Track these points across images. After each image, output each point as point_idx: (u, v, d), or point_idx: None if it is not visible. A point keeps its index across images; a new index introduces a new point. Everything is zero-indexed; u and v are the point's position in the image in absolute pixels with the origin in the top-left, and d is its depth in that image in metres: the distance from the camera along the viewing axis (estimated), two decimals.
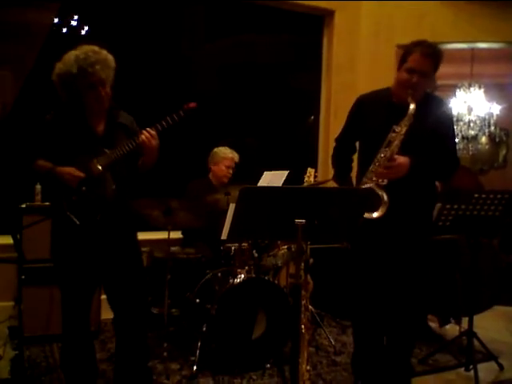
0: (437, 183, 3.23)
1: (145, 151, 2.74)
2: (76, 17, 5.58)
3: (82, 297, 2.79)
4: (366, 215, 2.70)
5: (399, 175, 2.80)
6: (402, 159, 2.80)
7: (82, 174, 2.65)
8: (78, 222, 2.61)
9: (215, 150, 4.56)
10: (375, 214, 2.76)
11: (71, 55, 2.63)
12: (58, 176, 2.63)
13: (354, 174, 3.20)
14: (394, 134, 2.81)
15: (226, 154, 4.50)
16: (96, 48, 2.66)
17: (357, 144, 3.21)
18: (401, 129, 2.80)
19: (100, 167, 2.70)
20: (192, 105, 2.74)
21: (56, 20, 5.33)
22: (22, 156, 2.78)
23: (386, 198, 2.77)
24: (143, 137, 2.68)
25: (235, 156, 4.54)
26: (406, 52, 2.91)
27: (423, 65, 2.84)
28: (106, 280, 2.87)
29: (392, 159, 2.79)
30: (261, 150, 7.23)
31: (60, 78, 2.65)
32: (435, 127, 2.92)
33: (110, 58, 2.70)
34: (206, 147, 4.67)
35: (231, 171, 4.50)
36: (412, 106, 2.79)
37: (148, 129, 2.70)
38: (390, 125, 2.83)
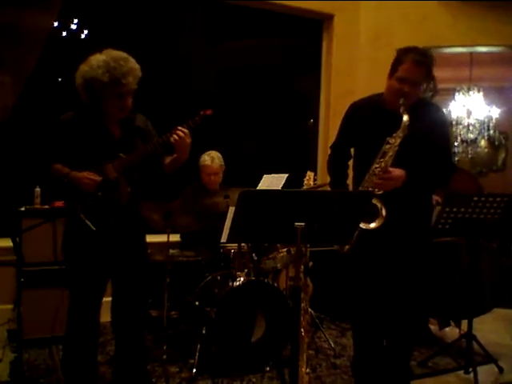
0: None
1: (177, 150, 2.72)
2: (76, 20, 5.60)
3: (92, 299, 2.80)
4: (363, 226, 2.71)
5: (394, 187, 2.79)
6: (397, 172, 2.79)
7: (99, 179, 2.65)
8: (93, 228, 2.61)
9: (201, 156, 4.43)
10: (372, 225, 2.77)
11: (99, 61, 2.61)
12: (75, 181, 2.63)
13: (349, 180, 3.21)
14: (388, 146, 2.79)
15: (204, 162, 4.35)
16: (124, 55, 2.65)
17: (352, 150, 3.21)
18: (395, 140, 2.78)
19: (116, 172, 2.70)
20: (209, 112, 2.71)
21: (56, 24, 5.34)
22: (39, 159, 2.77)
23: (384, 212, 2.76)
24: (176, 136, 2.66)
25: (215, 163, 4.32)
26: (396, 60, 2.87)
27: (414, 74, 2.80)
28: (113, 282, 2.88)
29: (387, 171, 2.79)
30: (260, 153, 7.24)
31: (86, 82, 2.63)
32: (429, 133, 2.91)
33: (138, 67, 2.68)
34: (205, 151, 4.62)
35: (213, 177, 4.34)
36: (405, 118, 2.76)
37: (180, 127, 2.68)
38: (383, 132, 2.81)
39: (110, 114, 2.74)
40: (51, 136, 2.75)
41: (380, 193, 2.79)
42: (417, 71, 2.81)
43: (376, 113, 2.99)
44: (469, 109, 6.86)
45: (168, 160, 2.84)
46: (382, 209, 2.77)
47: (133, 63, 2.66)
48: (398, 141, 2.78)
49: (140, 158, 2.71)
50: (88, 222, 2.61)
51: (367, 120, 3.00)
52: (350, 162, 3.24)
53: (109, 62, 2.59)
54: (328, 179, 3.32)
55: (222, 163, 4.40)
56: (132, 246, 2.84)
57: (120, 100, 2.67)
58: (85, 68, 2.64)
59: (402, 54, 2.85)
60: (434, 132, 2.94)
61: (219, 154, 4.42)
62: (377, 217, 2.77)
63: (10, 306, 3.49)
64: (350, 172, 3.21)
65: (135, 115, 2.85)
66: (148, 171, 2.88)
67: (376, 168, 2.81)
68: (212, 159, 4.34)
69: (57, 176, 2.69)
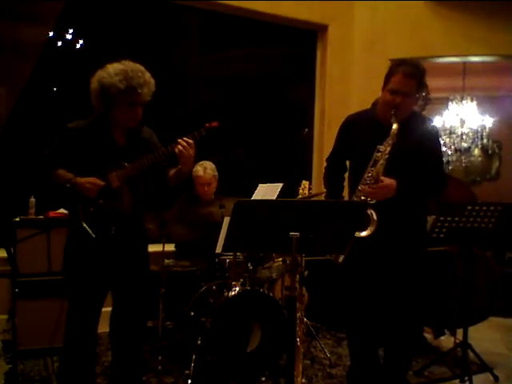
0: None
1: (181, 161, 2.71)
2: (71, 30, 5.61)
3: (92, 309, 2.78)
4: (356, 234, 2.72)
5: (386, 196, 2.83)
6: (388, 181, 2.83)
7: (102, 183, 2.66)
8: (93, 235, 2.61)
9: (194, 166, 4.32)
10: (364, 233, 2.79)
11: (117, 69, 2.64)
12: (78, 186, 2.64)
13: (345, 193, 3.23)
14: (378, 154, 2.84)
15: (196, 172, 4.30)
16: (142, 68, 2.69)
17: (347, 163, 3.24)
18: (385, 148, 2.83)
19: (119, 181, 2.71)
20: (214, 124, 2.73)
21: (51, 34, 5.35)
22: (42, 164, 2.77)
23: (375, 216, 2.79)
24: (179, 146, 2.66)
25: (207, 173, 4.29)
26: (389, 73, 2.94)
27: (405, 85, 2.86)
28: (114, 293, 2.88)
29: (379, 180, 2.82)
30: (255, 162, 7.24)
31: (102, 87, 2.65)
32: (421, 145, 2.96)
33: (153, 81, 2.72)
34: (198, 161, 4.59)
35: (207, 188, 4.31)
36: (394, 126, 2.82)
37: (185, 138, 2.68)
38: (376, 144, 2.86)
39: (117, 123, 2.75)
40: (56, 143, 2.76)
41: (373, 202, 2.82)
42: (407, 83, 2.86)
43: (370, 126, 3.03)
44: (462, 118, 6.91)
45: (172, 172, 2.85)
46: (373, 216, 2.79)
47: (149, 77, 2.70)
48: (388, 148, 2.83)
49: (144, 168, 2.71)
50: (88, 229, 2.61)
51: (362, 133, 3.04)
52: (346, 175, 3.26)
53: (127, 70, 2.63)
54: (322, 188, 3.34)
55: (215, 173, 4.37)
56: (134, 258, 2.84)
57: (131, 109, 2.69)
58: (102, 74, 2.67)
59: (394, 67, 2.92)
60: (426, 144, 2.99)
61: (212, 164, 4.39)
62: (368, 225, 2.80)
63: (5, 317, 3.49)
64: (346, 184, 3.23)
65: (142, 127, 2.87)
66: (153, 182, 2.89)
67: (368, 177, 2.85)
68: (204, 169, 4.31)
69: (59, 181, 2.69)
